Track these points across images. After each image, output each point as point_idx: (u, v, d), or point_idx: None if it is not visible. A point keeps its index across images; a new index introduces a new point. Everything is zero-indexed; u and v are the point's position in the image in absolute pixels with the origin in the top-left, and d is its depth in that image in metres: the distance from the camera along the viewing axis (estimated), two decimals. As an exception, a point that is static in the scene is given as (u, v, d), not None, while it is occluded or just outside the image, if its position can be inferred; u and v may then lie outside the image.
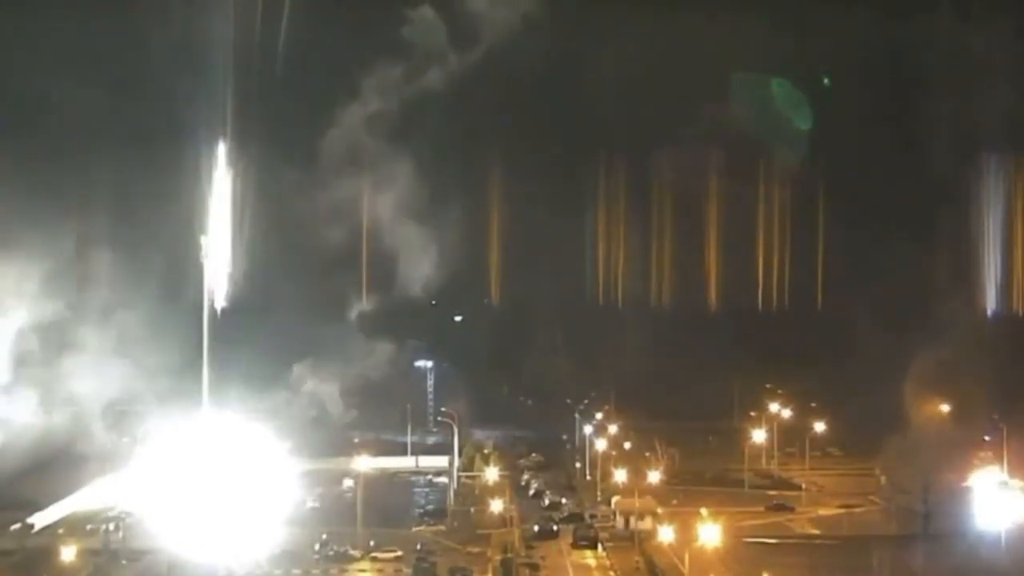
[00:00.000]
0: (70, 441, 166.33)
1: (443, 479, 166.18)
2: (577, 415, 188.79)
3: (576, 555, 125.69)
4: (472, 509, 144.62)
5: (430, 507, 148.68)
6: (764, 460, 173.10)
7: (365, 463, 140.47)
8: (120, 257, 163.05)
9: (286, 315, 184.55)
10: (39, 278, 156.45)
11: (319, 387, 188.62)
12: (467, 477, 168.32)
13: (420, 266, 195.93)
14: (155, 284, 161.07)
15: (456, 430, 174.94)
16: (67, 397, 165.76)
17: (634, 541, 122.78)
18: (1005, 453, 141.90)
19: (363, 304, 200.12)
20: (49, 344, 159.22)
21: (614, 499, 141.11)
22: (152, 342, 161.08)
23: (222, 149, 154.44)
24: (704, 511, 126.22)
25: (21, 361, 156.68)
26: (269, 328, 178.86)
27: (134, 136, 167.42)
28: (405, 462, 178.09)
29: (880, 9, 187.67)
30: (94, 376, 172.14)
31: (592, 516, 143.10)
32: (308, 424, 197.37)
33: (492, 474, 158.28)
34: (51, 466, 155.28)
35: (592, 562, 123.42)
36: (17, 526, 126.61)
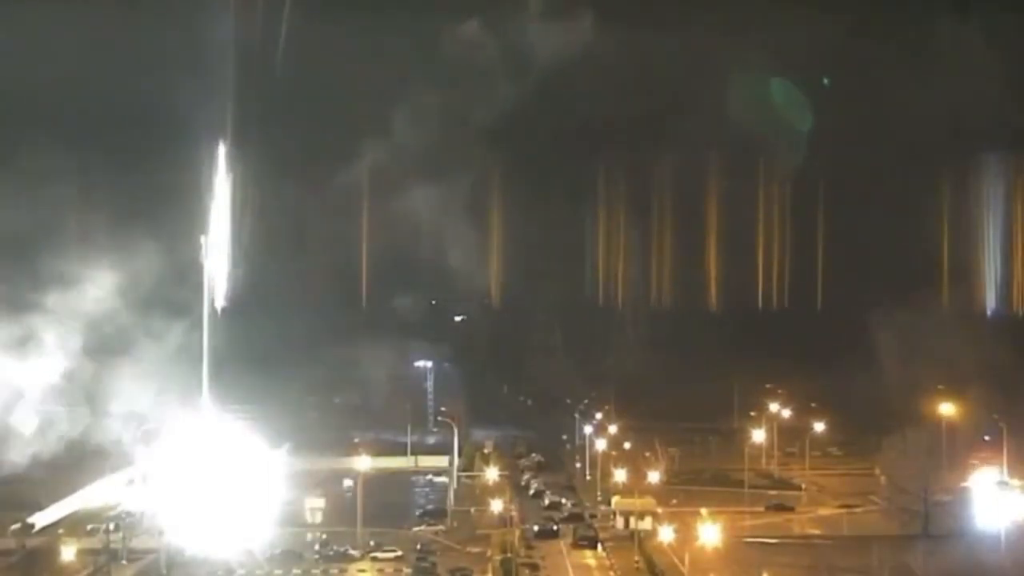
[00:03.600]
0: (71, 441, 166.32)
1: (443, 479, 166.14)
2: (577, 415, 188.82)
3: (576, 555, 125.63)
4: (472, 509, 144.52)
5: (430, 507, 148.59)
6: (764, 460, 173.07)
7: (365, 463, 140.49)
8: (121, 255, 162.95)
9: (287, 315, 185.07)
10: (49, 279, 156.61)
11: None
12: (467, 477, 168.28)
13: (421, 266, 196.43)
14: (156, 284, 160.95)
15: (456, 430, 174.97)
16: (71, 397, 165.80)
17: (634, 541, 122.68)
18: (1005, 453, 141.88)
19: (364, 304, 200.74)
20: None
21: (614, 499, 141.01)
22: (153, 342, 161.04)
23: (223, 152, 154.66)
24: (704, 511, 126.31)
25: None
26: (270, 328, 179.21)
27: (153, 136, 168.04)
28: (405, 462, 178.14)
29: (878, 7, 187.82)
30: (95, 376, 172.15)
31: (592, 516, 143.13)
32: (309, 423, 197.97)
33: (492, 474, 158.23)
34: (52, 466, 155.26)
35: (592, 562, 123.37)
36: (17, 526, 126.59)
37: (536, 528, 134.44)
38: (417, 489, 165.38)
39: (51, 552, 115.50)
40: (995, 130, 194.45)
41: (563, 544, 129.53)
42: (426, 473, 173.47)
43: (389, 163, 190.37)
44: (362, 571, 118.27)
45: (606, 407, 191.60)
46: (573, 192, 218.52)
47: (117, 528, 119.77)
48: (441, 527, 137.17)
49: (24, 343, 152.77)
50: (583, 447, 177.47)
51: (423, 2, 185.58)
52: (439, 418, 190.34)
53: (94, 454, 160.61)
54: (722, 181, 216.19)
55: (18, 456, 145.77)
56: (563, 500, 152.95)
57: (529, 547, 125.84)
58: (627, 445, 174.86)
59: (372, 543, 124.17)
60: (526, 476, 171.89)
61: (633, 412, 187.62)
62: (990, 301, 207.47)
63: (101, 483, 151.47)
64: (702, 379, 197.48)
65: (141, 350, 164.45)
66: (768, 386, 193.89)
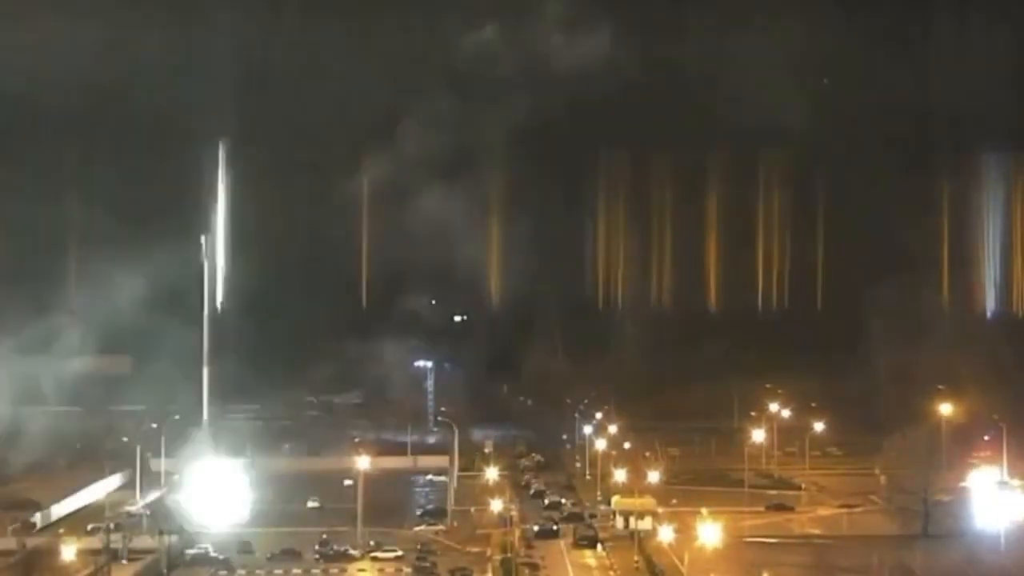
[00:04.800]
0: (72, 441, 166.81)
1: (443, 479, 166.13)
2: (577, 415, 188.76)
3: (576, 555, 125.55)
4: (472, 509, 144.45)
5: (430, 507, 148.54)
6: (764, 460, 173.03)
7: (365, 463, 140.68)
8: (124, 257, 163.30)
9: (288, 315, 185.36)
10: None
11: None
12: (467, 477, 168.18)
13: (421, 266, 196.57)
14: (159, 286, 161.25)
15: (456, 430, 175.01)
16: (72, 398, 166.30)
17: (634, 541, 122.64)
18: (1005, 453, 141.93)
19: (364, 304, 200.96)
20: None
21: (614, 499, 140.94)
22: (155, 343, 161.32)
23: (224, 152, 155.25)
24: (704, 511, 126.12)
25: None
26: (271, 328, 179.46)
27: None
28: (405, 462, 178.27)
29: (878, 10, 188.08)
30: (97, 376, 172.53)
31: (592, 516, 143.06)
32: (309, 423, 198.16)
33: (492, 474, 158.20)
34: (53, 465, 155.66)
35: (592, 562, 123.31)
36: (17, 526, 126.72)
37: (536, 528, 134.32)
38: (417, 489, 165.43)
39: (51, 552, 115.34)
40: (996, 130, 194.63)
41: (563, 544, 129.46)
42: (426, 473, 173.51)
43: (392, 165, 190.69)
44: (362, 571, 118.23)
45: (606, 407, 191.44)
46: (574, 193, 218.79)
47: (117, 528, 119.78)
48: (441, 527, 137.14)
49: (27, 342, 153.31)
50: (583, 447, 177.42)
51: (431, 5, 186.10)
52: (439, 418, 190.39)
53: (96, 454, 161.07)
54: (722, 183, 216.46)
55: (20, 455, 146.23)
56: (563, 500, 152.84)
57: (529, 547, 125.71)
58: (627, 445, 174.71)
59: (372, 543, 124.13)
60: (526, 476, 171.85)
61: (633, 412, 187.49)
62: (990, 301, 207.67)
63: (102, 483, 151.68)
64: (702, 379, 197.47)
65: (143, 350, 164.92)
66: (768, 386, 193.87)
